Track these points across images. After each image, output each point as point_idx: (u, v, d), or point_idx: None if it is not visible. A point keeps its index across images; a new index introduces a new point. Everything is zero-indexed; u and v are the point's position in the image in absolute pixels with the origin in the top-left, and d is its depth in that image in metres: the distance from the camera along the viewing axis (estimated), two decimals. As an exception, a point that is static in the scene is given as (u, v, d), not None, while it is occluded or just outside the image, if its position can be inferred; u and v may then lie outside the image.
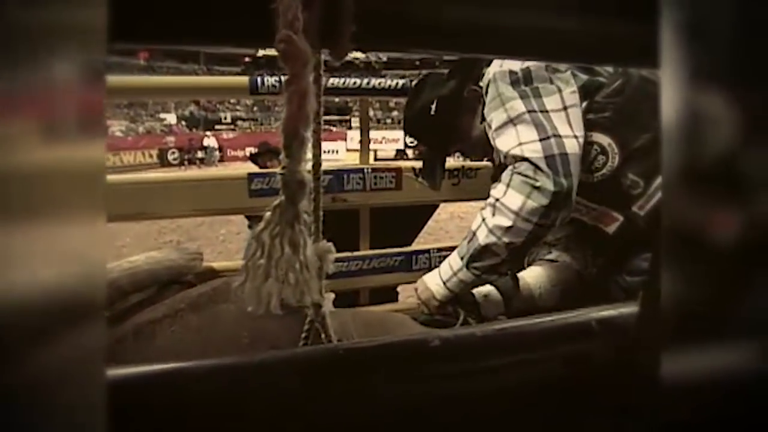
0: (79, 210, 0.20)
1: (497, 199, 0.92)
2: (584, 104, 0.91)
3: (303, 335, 0.40)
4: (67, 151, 0.19)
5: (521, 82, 0.91)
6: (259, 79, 1.26)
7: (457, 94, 1.08)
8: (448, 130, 1.11)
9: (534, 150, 0.87)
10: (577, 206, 0.96)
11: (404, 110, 1.21)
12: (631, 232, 0.94)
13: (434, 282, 1.04)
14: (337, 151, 15.33)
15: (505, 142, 0.91)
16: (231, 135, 17.37)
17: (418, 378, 0.35)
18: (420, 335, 0.36)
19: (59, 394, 0.19)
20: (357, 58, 19.63)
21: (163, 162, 15.50)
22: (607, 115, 0.92)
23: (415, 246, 1.59)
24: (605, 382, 0.43)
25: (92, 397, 0.21)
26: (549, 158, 0.86)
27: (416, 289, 1.11)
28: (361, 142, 1.49)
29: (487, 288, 1.04)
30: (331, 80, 1.38)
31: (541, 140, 0.87)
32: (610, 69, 0.92)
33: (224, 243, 4.88)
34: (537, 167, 0.87)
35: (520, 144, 0.89)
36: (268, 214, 0.24)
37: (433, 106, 1.10)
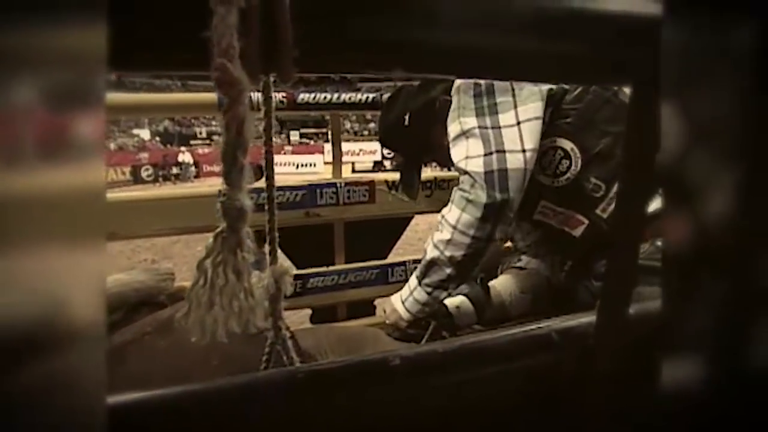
0: (80, 232, 0.20)
1: (443, 216, 0.96)
2: (550, 111, 0.94)
3: (264, 358, 0.40)
4: (68, 172, 0.20)
5: (483, 94, 0.93)
6: (228, 95, 1.26)
7: (430, 105, 1.09)
8: (422, 141, 1.13)
9: (476, 165, 0.90)
10: (545, 210, 0.99)
11: (379, 122, 1.23)
12: (595, 234, 0.96)
13: (399, 303, 1.07)
14: (314, 165, 15.31)
15: (455, 154, 0.94)
16: (207, 150, 17.17)
17: (379, 399, 0.35)
18: (380, 354, 0.36)
19: (60, 420, 0.19)
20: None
21: (137, 179, 15.21)
22: (570, 120, 0.94)
23: (391, 259, 1.59)
24: (567, 393, 0.43)
25: (93, 423, 0.21)
26: (488, 173, 0.89)
27: (384, 311, 1.12)
28: (333, 155, 1.49)
29: (459, 299, 1.05)
30: (302, 95, 1.38)
31: (484, 155, 0.89)
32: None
33: (200, 260, 4.79)
34: (474, 181, 0.90)
35: (467, 158, 0.91)
36: (210, 242, 0.24)
37: (407, 117, 1.12)
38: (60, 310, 0.19)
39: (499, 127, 0.90)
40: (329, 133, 1.69)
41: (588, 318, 0.45)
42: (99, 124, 0.21)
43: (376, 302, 1.16)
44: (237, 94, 0.22)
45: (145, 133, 19.45)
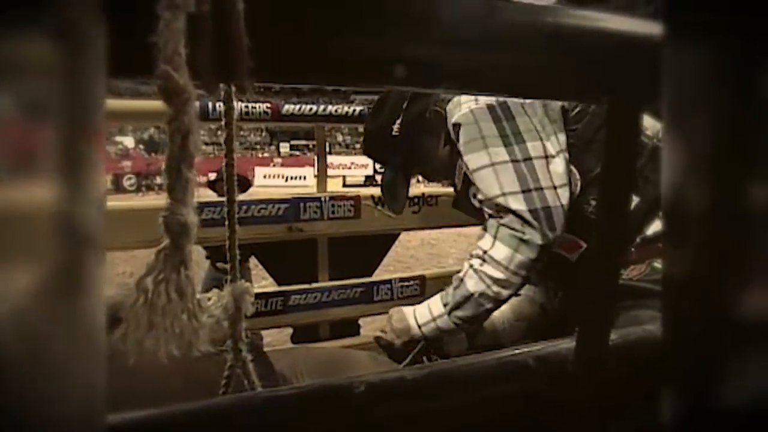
0: (77, 244, 0.20)
1: (485, 251, 0.92)
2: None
3: (223, 382, 0.39)
4: (65, 185, 0.20)
5: (503, 118, 0.93)
6: (210, 104, 1.26)
7: (419, 115, 1.08)
8: (410, 152, 1.11)
9: (518, 202, 0.89)
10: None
11: (364, 130, 1.20)
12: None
13: (412, 320, 1.03)
14: (304, 177, 15.31)
15: (485, 186, 0.93)
16: (193, 160, 17.07)
17: (340, 428, 0.34)
18: (344, 380, 0.35)
19: None
20: (325, 82, 19.74)
21: (119, 188, 15.11)
22: (570, 142, 0.94)
23: (377, 276, 1.58)
24: (544, 421, 0.43)
25: None
26: (533, 212, 0.88)
27: (390, 316, 1.08)
28: (318, 169, 1.49)
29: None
30: (287, 107, 1.39)
31: (523, 192, 0.89)
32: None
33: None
34: (524, 221, 0.88)
35: (504, 194, 0.90)
36: (151, 259, 0.23)
37: (395, 127, 1.09)
38: (59, 327, 0.19)
39: (530, 159, 0.90)
40: (324, 144, 1.69)
41: (566, 344, 0.44)
42: (98, 134, 0.21)
43: (391, 311, 1.11)
44: (182, 104, 0.21)
45: (128, 141, 19.38)
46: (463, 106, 0.98)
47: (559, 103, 0.94)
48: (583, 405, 0.43)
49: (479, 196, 0.97)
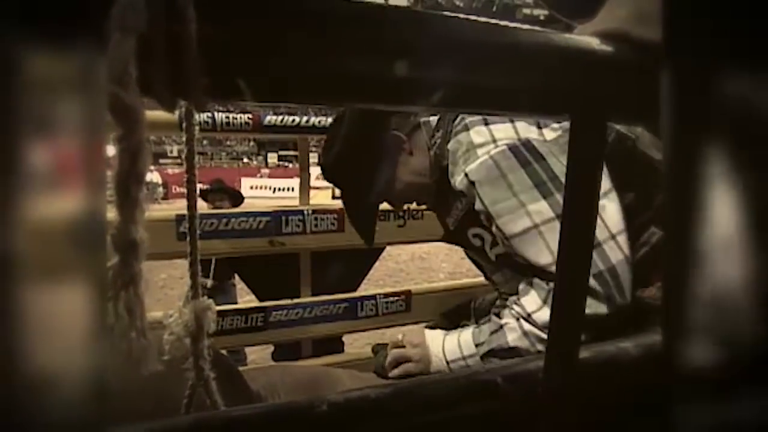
0: (80, 261, 0.20)
1: (529, 314, 0.81)
2: None
3: (184, 401, 0.39)
4: (69, 202, 0.20)
5: (531, 161, 0.81)
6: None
7: (376, 141, 1.02)
8: (370, 179, 1.04)
9: None
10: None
11: (321, 154, 1.14)
12: None
13: (438, 352, 0.94)
14: (292, 189, 15.29)
15: (535, 254, 0.80)
16: (177, 170, 17.07)
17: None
18: (305, 400, 0.36)
19: None
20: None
21: (99, 199, 14.96)
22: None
23: (361, 292, 1.59)
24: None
25: None
26: (597, 276, 0.74)
27: (410, 342, 0.99)
28: (300, 180, 1.50)
29: None
30: (269, 117, 1.40)
31: None
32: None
33: (164, 289, 4.70)
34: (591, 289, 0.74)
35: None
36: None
37: (351, 152, 1.03)
38: (57, 338, 0.19)
39: None
40: (309, 156, 1.70)
41: (535, 363, 0.45)
42: (100, 149, 0.21)
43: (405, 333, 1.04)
44: (131, 123, 0.22)
45: (110, 150, 19.27)
46: (479, 152, 0.84)
47: None
48: (552, 424, 0.44)
49: (521, 260, 0.83)
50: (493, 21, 0.37)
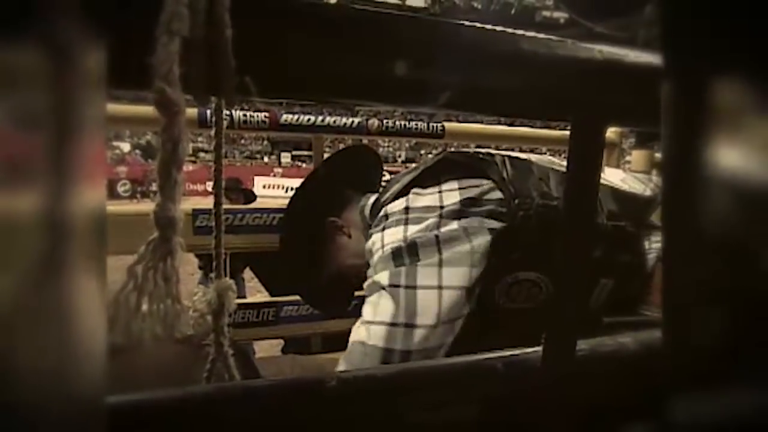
0: (80, 252, 0.22)
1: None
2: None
3: (204, 375, 0.43)
4: (70, 198, 0.21)
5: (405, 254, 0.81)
6: (208, 111, 1.31)
7: (316, 227, 1.06)
8: (314, 263, 1.08)
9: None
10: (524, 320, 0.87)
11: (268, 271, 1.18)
12: None
13: None
14: (306, 188, 15.31)
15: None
16: (191, 167, 17.27)
17: (312, 419, 0.38)
18: (316, 375, 0.39)
19: (59, 420, 0.21)
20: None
21: (112, 194, 15.22)
22: (523, 252, 0.82)
23: (371, 290, 1.62)
24: (511, 424, 0.46)
25: (92, 423, 0.23)
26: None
27: None
28: (315, 179, 1.53)
29: None
30: (285, 116, 1.44)
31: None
32: (501, 208, 0.81)
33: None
34: None
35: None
36: (142, 249, 0.27)
37: (295, 239, 1.07)
38: (60, 312, 0.21)
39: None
40: (323, 155, 1.73)
41: (535, 351, 0.48)
42: (99, 142, 0.24)
43: None
44: (173, 116, 0.26)
45: (125, 146, 19.60)
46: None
47: None
48: (550, 413, 0.47)
49: None
50: (496, 27, 0.40)
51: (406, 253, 0.78)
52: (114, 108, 1.37)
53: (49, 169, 0.22)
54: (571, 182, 0.43)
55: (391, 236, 0.82)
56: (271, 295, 1.61)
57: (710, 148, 0.31)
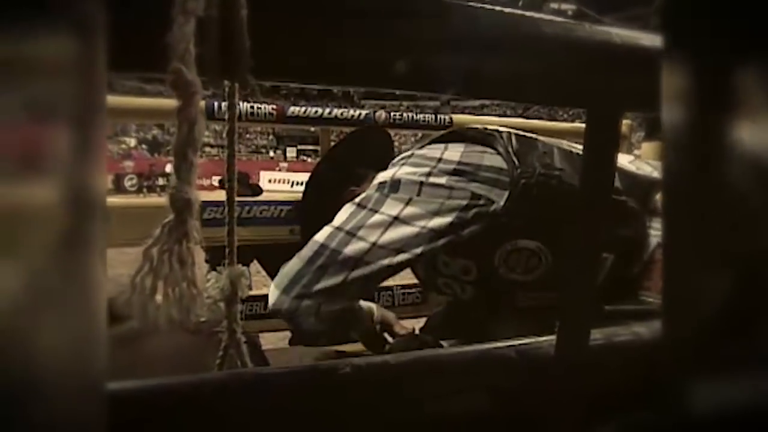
0: (80, 240, 0.22)
1: None
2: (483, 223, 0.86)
3: (217, 361, 0.43)
4: (68, 184, 0.21)
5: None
6: (216, 103, 1.31)
7: (338, 196, 1.05)
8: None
9: None
10: (526, 297, 0.93)
11: (300, 207, 1.21)
12: None
13: None
14: (311, 183, 15.31)
15: None
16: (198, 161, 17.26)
17: (326, 405, 0.38)
18: (330, 362, 0.39)
19: (59, 406, 0.21)
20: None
21: (119, 188, 15.29)
22: (523, 220, 0.86)
23: (378, 283, 1.62)
24: (524, 412, 0.46)
25: (92, 409, 0.23)
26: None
27: None
28: (322, 172, 1.53)
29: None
30: (292, 108, 1.44)
31: None
32: (503, 177, 0.86)
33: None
34: None
35: None
36: (157, 231, 0.27)
37: (317, 205, 1.07)
38: (60, 298, 0.21)
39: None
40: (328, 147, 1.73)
41: (548, 341, 0.48)
42: (99, 132, 0.23)
43: None
44: (190, 97, 0.26)
45: (131, 141, 19.67)
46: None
47: None
48: (564, 400, 0.47)
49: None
50: (512, 10, 0.39)
51: (388, 186, 0.87)
52: (121, 101, 1.37)
53: (51, 157, 0.21)
54: (586, 173, 0.42)
55: (386, 173, 0.90)
56: (278, 287, 1.61)
57: (713, 131, 0.31)
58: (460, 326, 1.07)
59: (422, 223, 0.83)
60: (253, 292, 1.60)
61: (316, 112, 1.42)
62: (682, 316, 0.33)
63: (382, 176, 0.90)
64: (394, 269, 0.84)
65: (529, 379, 0.47)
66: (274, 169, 17.84)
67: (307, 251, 0.86)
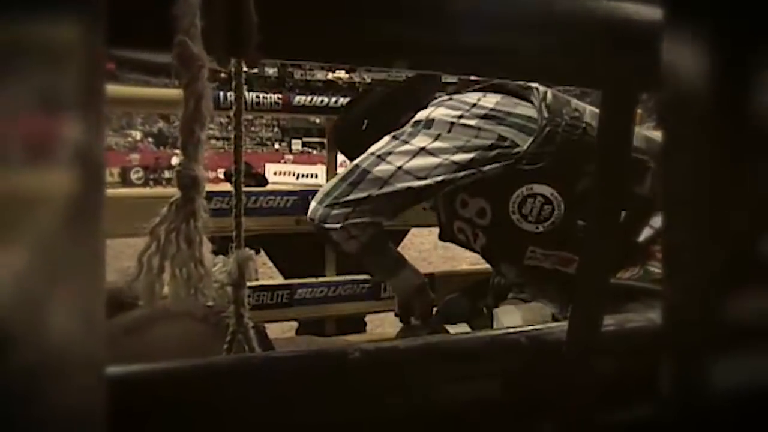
0: (78, 227, 0.22)
1: None
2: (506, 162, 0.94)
3: (225, 346, 0.42)
4: (66, 170, 0.21)
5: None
6: (221, 93, 1.30)
7: (392, 116, 1.10)
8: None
9: None
10: (534, 255, 0.98)
11: (335, 124, 1.30)
12: None
13: None
14: (316, 175, 15.37)
15: None
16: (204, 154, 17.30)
17: (335, 389, 0.38)
18: (340, 347, 0.39)
19: (58, 392, 0.21)
20: (340, 78, 19.96)
21: (125, 181, 15.37)
22: (542, 165, 0.92)
23: (384, 273, 1.61)
24: (535, 398, 0.46)
25: (92, 394, 0.23)
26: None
27: None
28: (328, 161, 1.53)
29: (462, 326, 1.06)
30: (298, 98, 1.43)
31: None
32: (532, 125, 0.94)
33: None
34: None
35: None
36: (164, 209, 0.27)
37: (365, 122, 1.16)
38: (58, 287, 0.21)
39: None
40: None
41: (560, 327, 0.47)
42: (99, 122, 0.23)
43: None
44: (196, 71, 0.25)
45: (137, 134, 19.73)
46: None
47: None
48: (575, 386, 0.46)
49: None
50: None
51: (423, 124, 0.97)
52: (125, 90, 1.37)
53: (49, 146, 0.21)
54: (602, 152, 0.41)
55: (423, 112, 0.99)
56: (285, 277, 1.61)
57: (712, 112, 0.30)
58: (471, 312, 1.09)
59: (446, 155, 0.93)
60: (262, 282, 1.60)
61: (322, 101, 1.41)
62: (683, 289, 0.33)
63: (420, 115, 0.99)
64: (416, 193, 0.94)
65: (538, 365, 0.46)
66: (279, 162, 17.85)
67: (344, 171, 0.99)
